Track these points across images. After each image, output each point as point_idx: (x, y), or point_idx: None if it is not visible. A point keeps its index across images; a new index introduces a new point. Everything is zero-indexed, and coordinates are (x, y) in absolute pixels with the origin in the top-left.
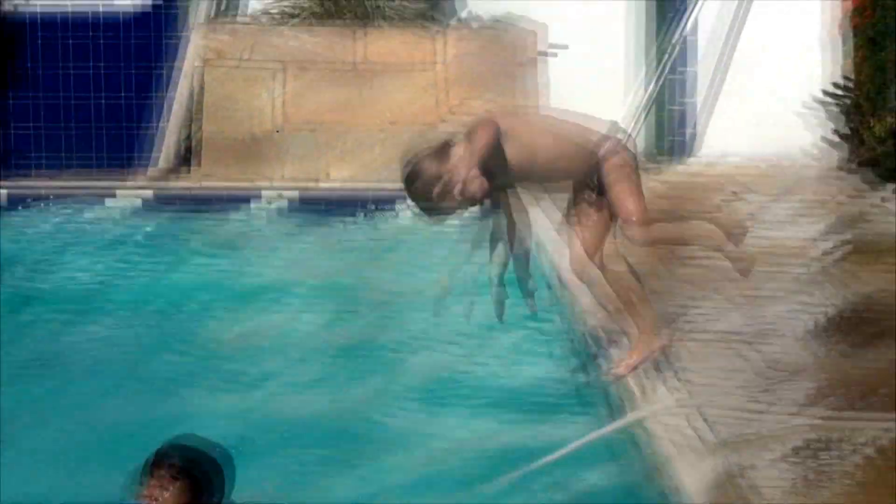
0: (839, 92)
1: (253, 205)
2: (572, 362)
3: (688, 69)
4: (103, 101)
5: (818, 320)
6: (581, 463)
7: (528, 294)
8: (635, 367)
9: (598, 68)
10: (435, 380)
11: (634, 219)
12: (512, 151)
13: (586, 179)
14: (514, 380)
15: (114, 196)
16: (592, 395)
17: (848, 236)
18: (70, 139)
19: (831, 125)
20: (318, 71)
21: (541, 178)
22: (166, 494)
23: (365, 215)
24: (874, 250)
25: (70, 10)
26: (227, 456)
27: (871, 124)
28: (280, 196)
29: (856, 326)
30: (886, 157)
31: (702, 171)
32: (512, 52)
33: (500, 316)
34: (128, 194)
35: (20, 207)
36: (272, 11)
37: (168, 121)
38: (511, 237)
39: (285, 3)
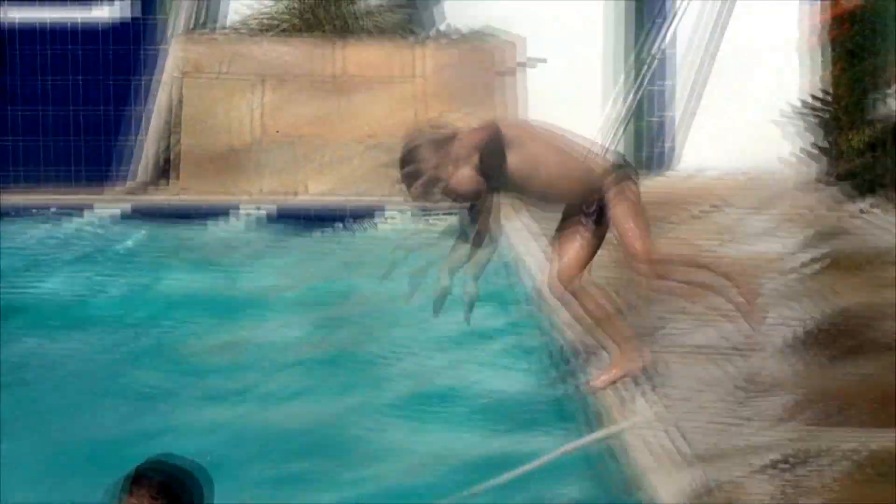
0: (817, 104)
1: (231, 218)
2: (551, 375)
3: (666, 82)
4: (82, 114)
5: (796, 334)
6: (558, 475)
7: (468, 304)
8: (613, 383)
9: (577, 81)
10: (413, 391)
11: (643, 257)
12: (514, 160)
13: (583, 206)
14: (492, 391)
15: (92, 209)
16: (570, 407)
17: (826, 249)
18: (48, 152)
19: (810, 138)
20: (297, 83)
21: (537, 194)
22: None
23: (344, 228)
24: (852, 263)
25: (48, 22)
26: (206, 474)
27: (850, 137)
28: (259, 209)
29: (833, 340)
30: (864, 170)
31: (680, 184)
32: (491, 64)
33: (436, 309)
34: (106, 207)
35: None
36: (251, 24)
37: (146, 133)
38: (476, 243)
39: (264, 15)
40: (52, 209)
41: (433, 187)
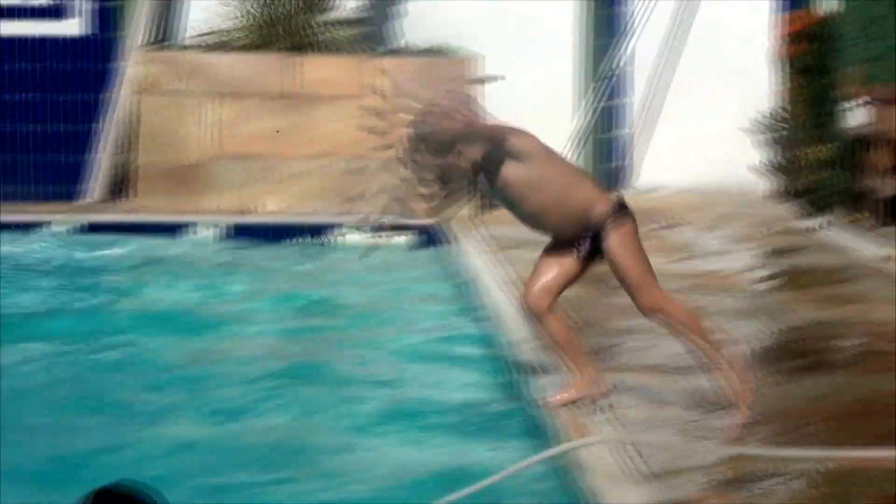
0: (774, 122)
1: (188, 234)
2: (508, 390)
3: (624, 100)
4: (38, 130)
5: (751, 352)
6: (512, 493)
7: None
8: (568, 404)
9: (539, 98)
10: (375, 404)
11: (640, 303)
12: (517, 173)
13: (573, 241)
14: (446, 406)
15: (48, 226)
16: (524, 424)
17: (782, 266)
18: (4, 168)
19: (767, 155)
20: (254, 99)
21: (529, 216)
22: None
23: (300, 244)
24: (807, 281)
25: (4, 37)
26: (163, 499)
27: (807, 153)
28: (215, 226)
29: (789, 357)
30: (821, 187)
31: (637, 201)
32: (448, 81)
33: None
34: (62, 223)
35: None
36: (208, 40)
37: (103, 150)
38: (403, 199)
39: (222, 32)
40: (8, 226)
41: (429, 175)
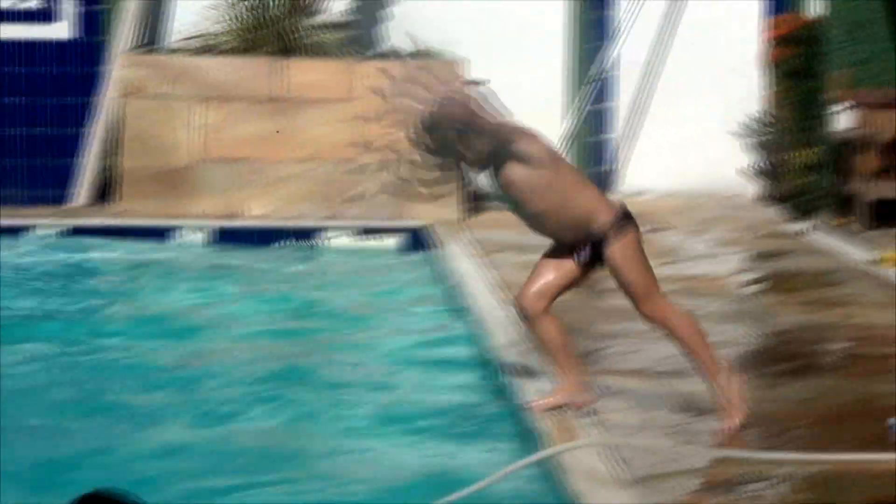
0: (760, 125)
1: (173, 238)
2: (493, 394)
3: (611, 103)
4: (24, 134)
5: (735, 356)
6: (497, 498)
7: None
8: (552, 409)
9: (526, 101)
10: (353, 407)
11: (645, 300)
12: (518, 171)
13: (574, 247)
14: (432, 409)
15: (34, 230)
16: (511, 428)
17: (766, 270)
18: None
19: (752, 158)
20: (239, 104)
21: (531, 217)
22: None
23: (286, 248)
24: (792, 285)
25: None
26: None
27: (791, 157)
28: (200, 230)
29: (772, 362)
30: (808, 191)
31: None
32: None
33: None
34: (47, 228)
35: None
36: (194, 44)
37: (89, 154)
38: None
39: (207, 36)
40: None
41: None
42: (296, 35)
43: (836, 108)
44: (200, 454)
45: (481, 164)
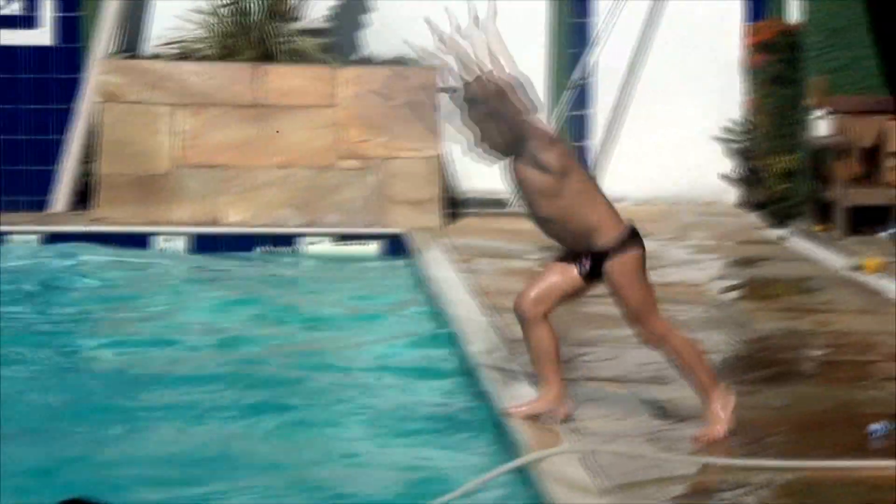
0: (739, 132)
1: (150, 245)
2: (468, 400)
3: (589, 110)
4: (3, 140)
5: (714, 362)
6: None
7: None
8: (531, 416)
9: None
10: (331, 412)
11: (641, 320)
12: (534, 172)
13: (577, 256)
14: (411, 415)
15: (9, 237)
16: (490, 434)
17: (745, 277)
18: None
19: (732, 165)
20: (217, 110)
21: (539, 217)
22: None
23: (264, 254)
24: (771, 291)
25: None
26: None
27: (771, 164)
28: (178, 236)
29: (751, 368)
30: (787, 197)
31: None
32: (412, 91)
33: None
34: (23, 235)
35: None
36: (172, 50)
37: (68, 160)
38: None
39: (185, 42)
40: None
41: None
42: (275, 41)
43: (814, 114)
44: (181, 461)
45: (501, 151)
